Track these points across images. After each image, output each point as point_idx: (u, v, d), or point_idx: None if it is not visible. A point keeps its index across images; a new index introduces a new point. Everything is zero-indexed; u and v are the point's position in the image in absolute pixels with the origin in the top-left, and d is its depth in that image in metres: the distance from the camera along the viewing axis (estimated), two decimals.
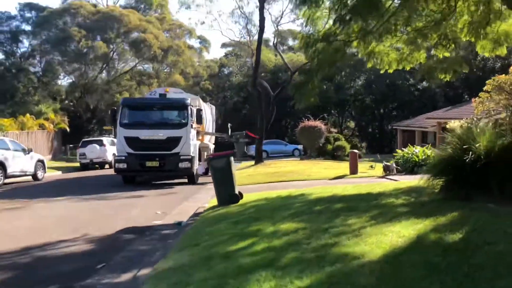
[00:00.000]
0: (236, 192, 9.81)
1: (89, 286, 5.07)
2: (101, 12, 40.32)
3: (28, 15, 43.05)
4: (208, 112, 21.96)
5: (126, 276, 5.32)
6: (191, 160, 15.64)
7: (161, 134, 15.57)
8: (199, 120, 16.56)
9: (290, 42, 49.31)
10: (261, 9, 22.42)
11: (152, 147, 15.51)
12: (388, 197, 8.32)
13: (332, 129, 45.99)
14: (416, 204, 7.28)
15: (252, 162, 23.80)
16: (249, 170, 20.47)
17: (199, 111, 16.63)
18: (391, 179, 13.39)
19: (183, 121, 16.05)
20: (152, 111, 16.91)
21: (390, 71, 13.71)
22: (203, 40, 46.06)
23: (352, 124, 48.13)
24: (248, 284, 4.09)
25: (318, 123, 28.10)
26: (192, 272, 4.72)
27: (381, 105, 44.01)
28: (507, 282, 3.62)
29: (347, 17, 8.55)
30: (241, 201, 9.76)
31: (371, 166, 17.31)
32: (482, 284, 3.64)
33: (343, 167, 18.28)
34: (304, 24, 11.41)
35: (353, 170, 15.86)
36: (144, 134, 15.58)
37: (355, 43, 12.80)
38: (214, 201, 10.17)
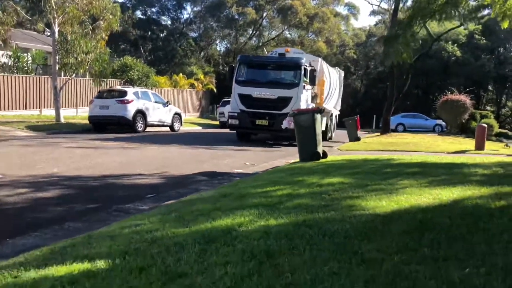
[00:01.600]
0: (319, 150, 9.53)
1: (124, 209, 5.53)
2: None
3: None
4: (335, 77, 21.07)
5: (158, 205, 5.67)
6: None
7: (273, 94, 15.44)
8: (312, 81, 15.79)
9: None
10: None
11: (264, 105, 15.45)
12: (477, 167, 7.24)
13: (488, 107, 41.24)
14: (499, 176, 6.21)
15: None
16: (370, 139, 19.56)
17: (312, 71, 15.87)
18: None
19: (295, 81, 15.58)
20: (267, 70, 16.61)
21: None
22: (352, 7, 44.56)
23: (510, 103, 42.20)
24: (229, 216, 4.03)
25: (462, 97, 25.31)
26: (198, 203, 4.82)
27: None
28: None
29: None
30: (323, 160, 9.46)
31: (507, 145, 15.09)
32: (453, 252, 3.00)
33: (473, 143, 16.27)
34: None
35: (479, 146, 14.00)
36: (257, 92, 15.58)
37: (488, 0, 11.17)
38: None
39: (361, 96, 46.27)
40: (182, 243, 3.13)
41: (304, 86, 15.46)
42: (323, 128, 16.88)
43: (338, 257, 2.74)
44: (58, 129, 17.87)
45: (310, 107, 15.63)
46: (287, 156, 12.59)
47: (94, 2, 18.95)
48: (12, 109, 21.10)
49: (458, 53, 37.95)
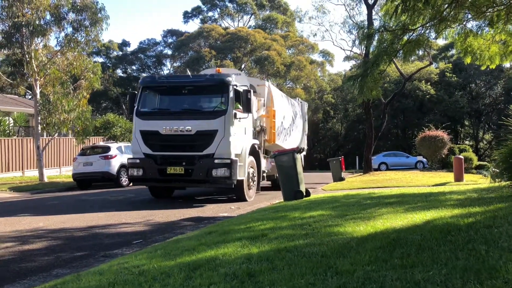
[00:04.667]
0: (302, 189, 9.76)
1: (111, 254, 5.62)
2: (230, 33, 43.20)
3: (169, 40, 48.32)
4: (292, 108, 16.97)
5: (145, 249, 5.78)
6: (230, 166, 10.73)
7: (189, 127, 10.93)
8: (247, 107, 11.31)
9: None
10: (369, 18, 21.87)
11: (177, 146, 11.11)
12: (452, 194, 7.55)
13: (466, 142, 42.34)
14: (472, 200, 6.49)
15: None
16: (353, 178, 19.91)
17: (246, 93, 11.33)
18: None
19: (221, 107, 11.16)
20: (180, 95, 11.99)
21: (493, 66, 12.43)
22: (326, 54, 46.25)
23: (488, 136, 43.40)
24: (213, 249, 4.19)
25: (440, 133, 26.08)
26: (184, 241, 4.96)
27: None
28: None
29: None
30: (307, 198, 9.68)
31: (484, 175, 15.53)
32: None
33: (453, 176, 16.71)
34: (382, 19, 11.01)
35: (458, 177, 14.41)
36: (167, 127, 11.07)
37: (449, 37, 11.90)
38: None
39: (342, 138, 47.19)
40: (168, 272, 3.28)
41: (235, 114, 11.15)
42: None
43: (314, 271, 2.92)
44: (41, 188, 17.81)
45: (249, 144, 11.90)
46: (275, 198, 12.71)
47: (75, 63, 19.42)
48: None
49: (432, 91, 39.33)
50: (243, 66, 43.73)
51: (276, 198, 12.40)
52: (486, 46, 11.63)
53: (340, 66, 68.34)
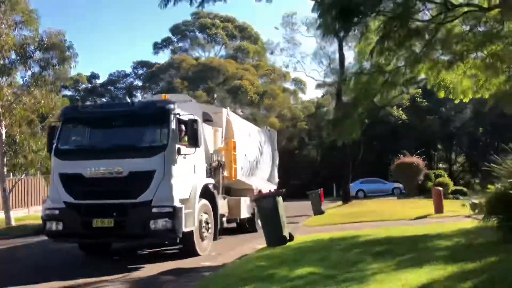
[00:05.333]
0: (285, 233, 9.45)
1: None
2: (201, 64, 43.19)
3: (140, 71, 48.03)
4: (258, 138, 15.33)
5: None
6: (173, 215, 8.59)
7: (120, 168, 8.78)
8: (194, 139, 9.27)
9: None
10: (340, 49, 22.23)
11: (105, 192, 8.91)
12: (440, 239, 7.43)
13: (440, 165, 43.04)
14: (461, 248, 6.35)
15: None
16: (332, 210, 19.75)
17: (192, 123, 9.26)
18: (475, 218, 11.87)
19: (160, 142, 9.08)
20: (108, 128, 9.78)
21: (466, 100, 12.62)
22: (299, 82, 46.70)
23: (461, 159, 44.35)
24: None
25: (415, 159, 26.47)
26: None
27: (496, 137, 40.01)
28: None
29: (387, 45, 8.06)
30: (291, 243, 9.37)
31: (463, 205, 15.54)
32: None
33: (432, 205, 16.73)
34: (356, 58, 11.06)
35: (438, 209, 14.43)
36: (92, 168, 8.86)
37: (422, 73, 12.00)
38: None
39: (318, 164, 47.28)
40: None
41: (178, 149, 9.06)
42: (247, 215, 13.25)
43: None
44: (8, 233, 16.88)
45: (200, 184, 9.84)
46: (257, 238, 12.27)
47: (42, 101, 18.74)
48: None
49: (404, 116, 40.02)
50: (215, 96, 43.67)
51: (251, 241, 11.83)
52: (459, 81, 11.78)
53: (313, 94, 69.22)
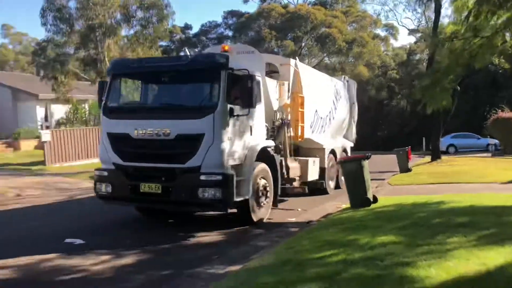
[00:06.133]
0: (369, 195, 9.89)
1: (195, 274, 6.18)
2: (290, 12, 42.69)
3: (230, 22, 48.66)
4: (332, 90, 14.23)
5: (230, 268, 6.25)
6: (223, 184, 8.06)
7: (167, 129, 8.26)
8: (249, 98, 8.40)
9: None
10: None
11: (153, 154, 8.51)
12: None
13: None
14: None
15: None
16: (420, 168, 19.55)
17: (249, 79, 8.33)
18: None
19: (209, 102, 8.37)
20: (159, 84, 9.52)
21: None
22: (390, 27, 44.62)
23: None
24: None
25: None
26: (262, 275, 5.36)
27: None
28: None
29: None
30: (374, 205, 9.82)
31: None
32: None
33: None
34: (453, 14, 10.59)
35: None
36: (140, 128, 8.43)
37: None
38: None
39: (408, 115, 45.80)
40: None
41: (231, 110, 8.31)
42: (316, 177, 12.53)
43: None
44: None
45: (257, 148, 9.12)
46: (337, 197, 12.88)
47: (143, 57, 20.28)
48: (73, 160, 22.71)
49: (506, 66, 36.93)
50: (303, 44, 43.29)
51: (334, 199, 12.33)
52: None
53: (405, 40, 65.71)
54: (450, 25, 9.50)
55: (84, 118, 27.75)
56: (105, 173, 8.85)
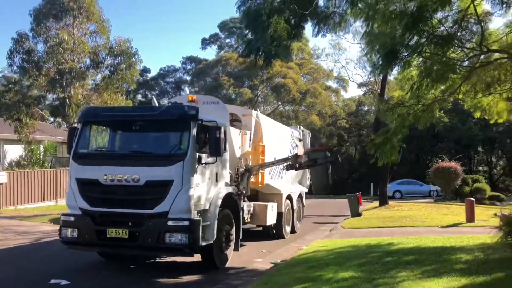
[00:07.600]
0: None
1: None
2: (247, 61, 44.74)
3: (188, 67, 50.27)
4: (289, 140, 15.09)
5: None
6: (190, 229, 8.26)
7: (136, 175, 8.48)
8: (216, 148, 8.75)
9: None
10: (383, 80, 23.19)
11: (121, 200, 8.66)
12: (462, 252, 8.74)
13: (480, 168, 43.08)
14: (478, 262, 7.66)
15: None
16: (370, 212, 20.92)
17: (215, 130, 8.75)
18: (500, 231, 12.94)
19: (179, 150, 8.72)
20: (128, 132, 9.67)
21: (501, 121, 13.46)
22: (341, 80, 47.57)
23: (502, 162, 44.16)
24: None
25: (453, 164, 27.15)
26: None
27: None
28: None
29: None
30: (333, 246, 10.87)
31: (495, 214, 16.52)
32: None
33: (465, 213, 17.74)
34: (399, 83, 12.25)
35: (470, 218, 15.50)
36: (109, 174, 8.64)
37: (460, 95, 13.08)
38: (312, 245, 11.49)
39: (356, 162, 48.18)
40: None
41: (199, 158, 8.65)
42: (273, 221, 12.86)
43: None
44: None
45: (222, 193, 9.48)
46: (297, 239, 13.75)
47: (109, 102, 20.84)
48: (29, 203, 22.37)
49: (446, 119, 40.28)
50: (259, 92, 45.25)
51: (288, 243, 13.01)
52: (495, 103, 12.74)
53: (355, 92, 72.20)
54: (398, 91, 11.07)
55: (40, 160, 27.49)
56: (72, 218, 8.90)
